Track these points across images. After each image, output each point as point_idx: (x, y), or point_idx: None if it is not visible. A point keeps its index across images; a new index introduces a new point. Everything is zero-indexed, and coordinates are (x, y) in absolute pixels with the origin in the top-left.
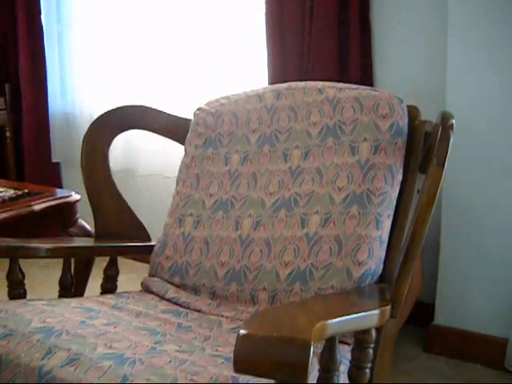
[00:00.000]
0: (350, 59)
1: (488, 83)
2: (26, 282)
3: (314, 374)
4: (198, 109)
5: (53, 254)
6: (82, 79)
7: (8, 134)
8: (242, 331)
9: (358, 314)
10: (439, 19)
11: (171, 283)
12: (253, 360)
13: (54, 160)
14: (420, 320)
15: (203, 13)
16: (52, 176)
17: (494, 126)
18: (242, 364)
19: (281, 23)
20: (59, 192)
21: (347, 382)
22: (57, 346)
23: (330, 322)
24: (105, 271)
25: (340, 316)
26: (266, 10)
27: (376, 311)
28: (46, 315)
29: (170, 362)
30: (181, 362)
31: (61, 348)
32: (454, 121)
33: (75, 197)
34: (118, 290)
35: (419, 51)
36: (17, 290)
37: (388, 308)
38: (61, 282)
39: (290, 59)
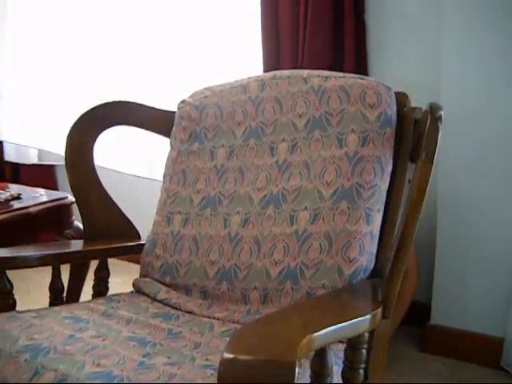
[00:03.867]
0: (344, 53)
1: (483, 76)
2: (21, 285)
3: (306, 378)
4: (182, 101)
5: (41, 262)
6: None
7: None
8: (225, 355)
9: (348, 322)
10: (435, 12)
11: (162, 283)
12: None
13: None
14: (416, 320)
15: (198, 11)
16: (48, 178)
17: (491, 121)
18: None
19: (275, 20)
20: (55, 194)
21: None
22: (44, 366)
23: (317, 334)
24: (95, 273)
25: (329, 325)
26: (261, 5)
27: (367, 316)
28: (34, 330)
29: (159, 378)
30: (169, 376)
31: (48, 368)
32: (442, 112)
33: (71, 199)
34: (113, 293)
35: (415, 45)
36: (5, 301)
37: (379, 311)
38: (51, 289)
39: (284, 55)
